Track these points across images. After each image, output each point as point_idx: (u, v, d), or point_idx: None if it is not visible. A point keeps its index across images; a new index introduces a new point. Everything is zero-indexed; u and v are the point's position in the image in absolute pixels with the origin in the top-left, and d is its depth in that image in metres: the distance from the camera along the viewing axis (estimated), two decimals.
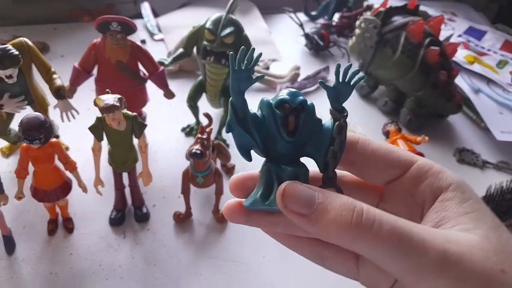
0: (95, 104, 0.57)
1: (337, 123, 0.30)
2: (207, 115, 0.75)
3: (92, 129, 0.61)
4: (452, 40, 1.06)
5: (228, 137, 0.91)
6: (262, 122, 0.31)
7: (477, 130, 1.07)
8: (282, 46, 1.25)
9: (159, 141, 0.87)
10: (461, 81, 1.12)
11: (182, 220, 0.72)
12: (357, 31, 1.06)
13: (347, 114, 0.30)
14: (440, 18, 0.98)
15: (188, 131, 0.92)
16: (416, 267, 0.21)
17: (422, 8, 1.07)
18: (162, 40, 1.18)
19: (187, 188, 0.71)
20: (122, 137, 0.62)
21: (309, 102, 0.31)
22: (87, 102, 0.80)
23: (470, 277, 0.20)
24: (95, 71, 0.76)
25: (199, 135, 0.64)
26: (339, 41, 1.31)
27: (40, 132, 0.56)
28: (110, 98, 0.56)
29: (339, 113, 0.30)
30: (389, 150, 0.28)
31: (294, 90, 0.31)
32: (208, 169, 0.68)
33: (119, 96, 0.57)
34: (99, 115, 0.60)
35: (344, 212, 0.21)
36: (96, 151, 0.63)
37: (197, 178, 0.68)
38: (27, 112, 0.63)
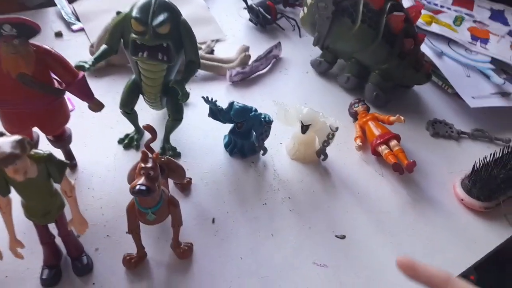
0: None
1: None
2: (149, 128, 0.60)
3: None
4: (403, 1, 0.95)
5: (178, 144, 0.76)
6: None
7: (446, 97, 0.99)
8: (224, 23, 1.09)
9: (91, 162, 0.70)
10: (423, 46, 1.03)
11: (135, 264, 0.58)
12: (308, 0, 0.92)
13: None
14: None
15: (127, 142, 0.75)
16: None
17: None
18: (82, 30, 0.98)
19: (134, 226, 0.56)
20: (35, 186, 0.45)
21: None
22: None
23: None
24: None
25: (142, 164, 0.49)
26: (286, 11, 1.17)
27: None
28: (6, 144, 0.39)
29: None
30: None
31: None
32: (160, 202, 0.53)
33: (19, 137, 0.40)
34: None
35: None
36: (3, 207, 0.46)
37: (147, 215, 0.53)
38: None
